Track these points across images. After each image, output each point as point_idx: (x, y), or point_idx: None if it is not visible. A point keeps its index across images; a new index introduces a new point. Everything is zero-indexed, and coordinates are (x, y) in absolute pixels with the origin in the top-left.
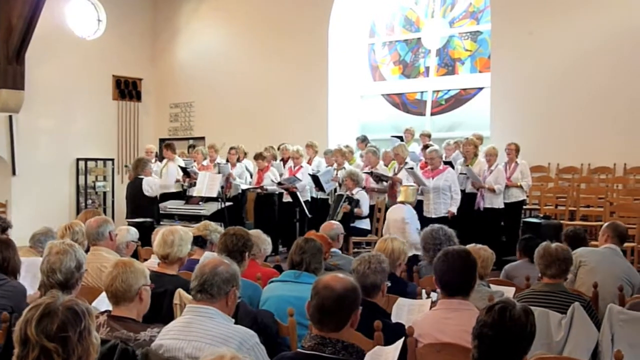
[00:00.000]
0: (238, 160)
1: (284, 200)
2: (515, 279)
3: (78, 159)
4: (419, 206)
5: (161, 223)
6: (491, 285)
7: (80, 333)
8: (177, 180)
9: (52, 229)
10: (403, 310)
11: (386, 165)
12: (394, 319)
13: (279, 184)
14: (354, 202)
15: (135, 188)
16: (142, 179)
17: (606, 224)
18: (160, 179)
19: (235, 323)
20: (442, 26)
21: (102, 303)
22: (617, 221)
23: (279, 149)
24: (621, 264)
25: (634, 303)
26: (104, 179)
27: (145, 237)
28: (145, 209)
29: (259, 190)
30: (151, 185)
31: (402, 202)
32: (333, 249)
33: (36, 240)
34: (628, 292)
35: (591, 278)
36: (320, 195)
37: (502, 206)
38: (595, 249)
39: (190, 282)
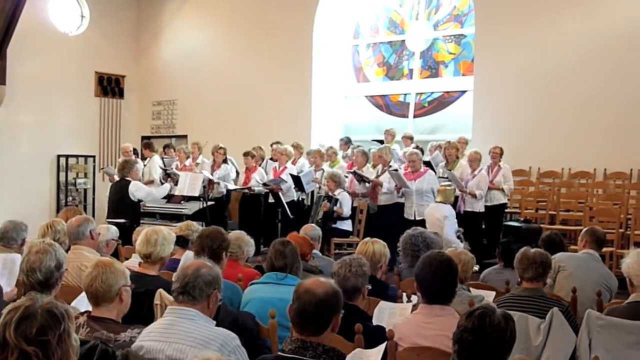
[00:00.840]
0: (224, 161)
1: (269, 200)
2: (489, 282)
3: (59, 156)
4: (400, 208)
5: (142, 222)
6: (471, 289)
7: (60, 336)
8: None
9: (19, 222)
10: (384, 314)
11: (374, 167)
12: (375, 322)
13: (265, 185)
14: (334, 201)
15: (120, 189)
16: (129, 181)
17: (585, 229)
18: (148, 187)
19: (216, 324)
20: (427, 29)
21: (82, 303)
22: (596, 226)
23: (272, 146)
24: (599, 269)
25: (612, 309)
26: (85, 176)
27: (125, 237)
28: (127, 211)
29: (246, 191)
30: (139, 189)
31: (443, 202)
32: (314, 251)
33: (9, 238)
34: (606, 297)
35: (570, 283)
36: (302, 196)
37: (483, 210)
38: (573, 254)
39: (172, 284)
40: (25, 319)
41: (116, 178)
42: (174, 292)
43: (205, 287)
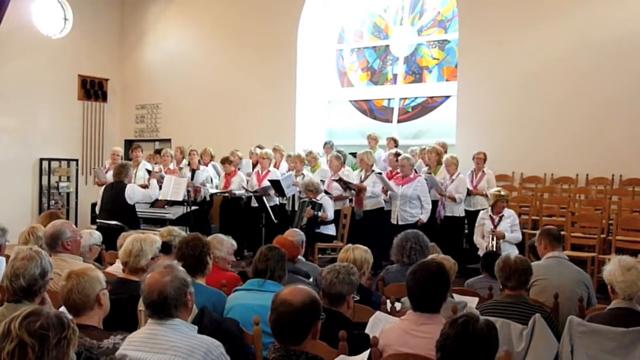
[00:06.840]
0: (199, 162)
1: (252, 205)
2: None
3: (41, 159)
4: (384, 213)
5: (142, 227)
6: (455, 295)
7: (60, 339)
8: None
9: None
10: (379, 325)
11: (361, 170)
12: (368, 332)
13: (254, 192)
14: (317, 206)
15: (116, 192)
16: (125, 184)
17: (539, 231)
18: (142, 189)
19: (200, 331)
20: (411, 34)
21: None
22: (548, 226)
23: (254, 149)
24: (569, 270)
25: (593, 315)
26: (68, 179)
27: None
28: (122, 214)
29: (226, 195)
30: (135, 192)
31: None
32: (298, 256)
33: None
34: (585, 293)
35: (544, 297)
36: (281, 200)
37: (463, 214)
38: (539, 264)
39: (142, 300)
40: (32, 314)
41: (108, 180)
42: (147, 312)
43: (176, 301)
